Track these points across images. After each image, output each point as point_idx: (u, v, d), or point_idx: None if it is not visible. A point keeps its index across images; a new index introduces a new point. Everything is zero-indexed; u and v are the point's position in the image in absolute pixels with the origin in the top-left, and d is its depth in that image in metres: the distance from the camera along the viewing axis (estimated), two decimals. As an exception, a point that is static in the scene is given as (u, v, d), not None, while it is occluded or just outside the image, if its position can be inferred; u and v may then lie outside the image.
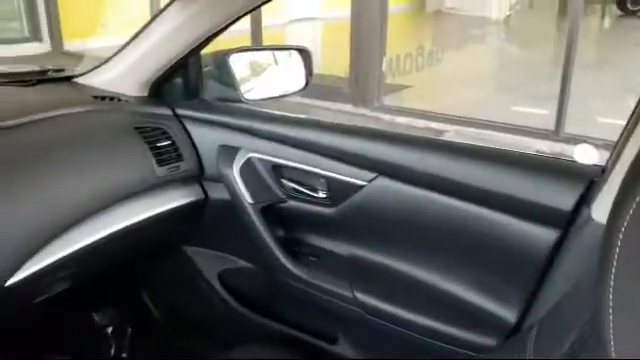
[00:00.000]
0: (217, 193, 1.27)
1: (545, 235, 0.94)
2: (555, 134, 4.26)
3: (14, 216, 0.93)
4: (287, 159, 1.18)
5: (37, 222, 0.96)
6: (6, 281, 0.92)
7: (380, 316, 1.09)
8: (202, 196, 1.28)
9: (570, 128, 4.23)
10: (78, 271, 1.12)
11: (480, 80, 6.06)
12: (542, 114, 4.48)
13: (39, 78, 1.29)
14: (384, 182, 1.08)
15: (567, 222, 0.92)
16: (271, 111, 1.25)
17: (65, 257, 1.01)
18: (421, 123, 4.73)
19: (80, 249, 1.04)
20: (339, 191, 1.14)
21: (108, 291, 1.57)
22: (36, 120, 1.08)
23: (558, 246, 0.93)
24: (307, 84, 1.39)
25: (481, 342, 0.99)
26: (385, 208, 1.09)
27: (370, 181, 1.09)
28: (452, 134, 4.46)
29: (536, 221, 0.94)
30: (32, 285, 0.99)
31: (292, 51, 1.40)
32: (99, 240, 1.07)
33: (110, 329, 1.54)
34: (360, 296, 1.11)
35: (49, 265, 0.98)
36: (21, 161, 0.99)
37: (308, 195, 1.19)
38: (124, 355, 1.57)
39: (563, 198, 0.91)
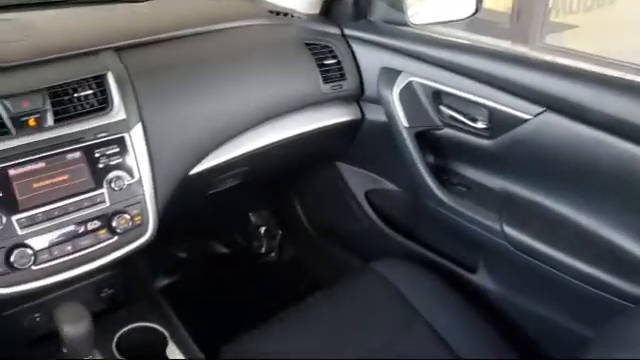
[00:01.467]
0: (374, 115, 1.30)
1: None
2: None
3: (200, 114, 1.04)
4: (449, 85, 1.15)
5: (219, 122, 1.06)
6: (189, 171, 1.04)
7: (529, 253, 1.08)
8: (359, 116, 1.32)
9: None
10: (246, 171, 1.23)
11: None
12: None
13: None
14: (552, 117, 1.03)
15: None
16: (437, 35, 1.22)
17: (238, 156, 1.12)
18: (586, 67, 4.37)
19: (251, 151, 1.14)
20: (500, 123, 1.10)
21: (266, 195, 1.71)
22: (219, 29, 1.18)
23: None
24: (477, 11, 1.31)
25: (635, 292, 0.95)
26: (549, 145, 1.04)
27: (536, 115, 1.04)
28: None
29: None
30: (209, 178, 1.11)
31: (463, -26, 1.34)
32: (267, 145, 1.16)
33: (263, 229, 1.69)
34: (509, 230, 1.10)
35: (225, 162, 1.09)
36: (207, 65, 1.09)
37: (466, 124, 1.16)
38: (272, 255, 1.73)
39: None
